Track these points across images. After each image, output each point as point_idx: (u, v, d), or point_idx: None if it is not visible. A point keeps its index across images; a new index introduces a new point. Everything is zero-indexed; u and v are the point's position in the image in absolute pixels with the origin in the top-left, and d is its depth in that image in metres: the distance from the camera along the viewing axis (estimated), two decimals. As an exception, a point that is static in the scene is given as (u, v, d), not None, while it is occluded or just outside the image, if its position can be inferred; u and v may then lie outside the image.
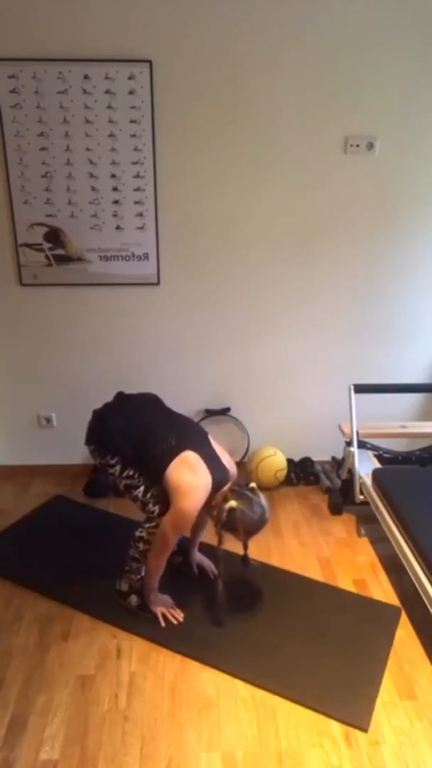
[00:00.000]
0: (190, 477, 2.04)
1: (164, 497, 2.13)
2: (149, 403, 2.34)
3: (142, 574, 2.31)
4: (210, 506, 2.14)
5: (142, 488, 2.18)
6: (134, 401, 2.34)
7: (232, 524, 2.07)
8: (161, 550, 2.12)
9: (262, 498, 2.13)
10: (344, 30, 2.67)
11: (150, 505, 2.17)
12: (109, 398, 2.39)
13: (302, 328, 3.20)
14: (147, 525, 2.19)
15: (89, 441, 2.26)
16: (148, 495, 2.17)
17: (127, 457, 2.17)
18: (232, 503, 2.05)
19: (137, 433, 2.17)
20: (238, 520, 2.06)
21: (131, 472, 2.18)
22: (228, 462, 2.22)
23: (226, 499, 2.08)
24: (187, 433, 2.19)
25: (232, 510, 2.05)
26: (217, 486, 2.10)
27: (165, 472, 2.06)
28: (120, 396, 2.38)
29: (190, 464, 2.06)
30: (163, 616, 2.26)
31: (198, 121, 2.79)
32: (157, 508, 2.15)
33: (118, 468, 2.19)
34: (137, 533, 2.23)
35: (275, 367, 3.28)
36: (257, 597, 2.41)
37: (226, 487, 2.13)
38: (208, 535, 2.25)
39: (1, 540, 2.78)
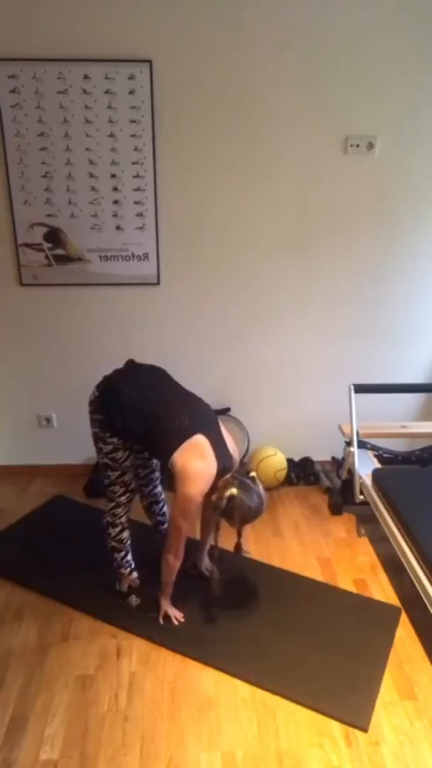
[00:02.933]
0: (197, 463, 2.04)
1: (135, 485, 2.30)
2: (162, 378, 2.28)
3: (132, 565, 2.34)
4: (211, 491, 2.14)
5: (118, 472, 2.21)
6: (147, 373, 2.27)
7: (229, 511, 2.08)
8: (175, 541, 2.13)
9: (261, 488, 2.13)
10: (344, 30, 2.67)
11: (116, 488, 2.23)
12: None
13: (302, 328, 3.20)
14: (108, 506, 2.28)
15: (96, 410, 2.17)
16: (119, 480, 2.22)
17: (133, 436, 2.15)
18: (233, 491, 2.05)
19: (150, 408, 2.12)
20: (236, 507, 2.06)
21: (118, 456, 2.17)
22: (233, 448, 2.22)
23: (227, 486, 2.08)
24: (200, 415, 2.17)
25: (232, 497, 2.05)
26: (221, 472, 2.10)
27: (172, 455, 2.06)
28: (131, 365, 2.30)
29: (199, 450, 2.06)
30: (164, 615, 2.26)
31: (198, 121, 2.79)
32: (121, 491, 2.23)
33: (110, 447, 2.16)
34: (104, 521, 2.31)
35: (275, 367, 3.28)
36: (257, 597, 2.41)
37: (228, 474, 2.13)
38: (223, 542, 2.24)
39: (1, 540, 2.78)
